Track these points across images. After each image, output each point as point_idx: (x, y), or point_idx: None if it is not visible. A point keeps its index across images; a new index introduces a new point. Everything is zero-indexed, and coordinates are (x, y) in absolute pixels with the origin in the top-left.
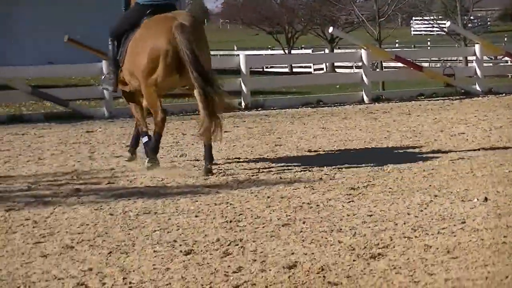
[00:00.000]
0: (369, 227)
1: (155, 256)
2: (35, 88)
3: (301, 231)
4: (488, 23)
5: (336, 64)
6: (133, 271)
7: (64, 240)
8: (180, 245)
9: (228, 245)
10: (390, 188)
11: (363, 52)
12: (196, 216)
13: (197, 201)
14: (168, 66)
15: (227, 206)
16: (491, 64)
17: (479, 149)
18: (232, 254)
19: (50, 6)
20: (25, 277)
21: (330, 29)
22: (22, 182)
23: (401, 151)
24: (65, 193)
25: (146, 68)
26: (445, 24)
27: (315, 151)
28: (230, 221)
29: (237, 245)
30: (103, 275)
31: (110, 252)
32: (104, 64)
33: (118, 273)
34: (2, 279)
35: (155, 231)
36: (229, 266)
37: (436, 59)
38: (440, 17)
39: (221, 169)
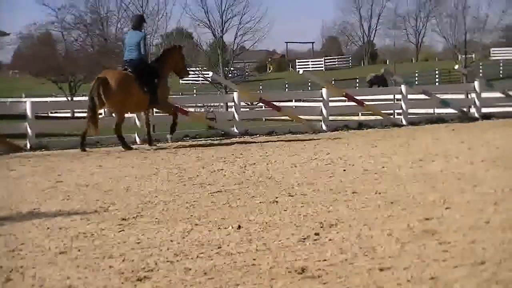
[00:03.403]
0: (137, 253)
1: None
2: None
3: (76, 258)
4: (246, 73)
5: None
6: None
7: None
8: None
9: (10, 271)
10: (157, 218)
11: None
12: None
13: None
14: None
15: (10, 236)
16: (247, 109)
17: (234, 183)
18: (14, 280)
19: None
20: None
21: None
22: None
23: (159, 186)
24: None
25: None
26: (209, 74)
27: (92, 186)
28: (13, 250)
29: (18, 271)
30: None
31: None
32: None
33: None
34: None
35: None
36: None
37: (201, 105)
38: (205, 68)
39: (5, 204)
